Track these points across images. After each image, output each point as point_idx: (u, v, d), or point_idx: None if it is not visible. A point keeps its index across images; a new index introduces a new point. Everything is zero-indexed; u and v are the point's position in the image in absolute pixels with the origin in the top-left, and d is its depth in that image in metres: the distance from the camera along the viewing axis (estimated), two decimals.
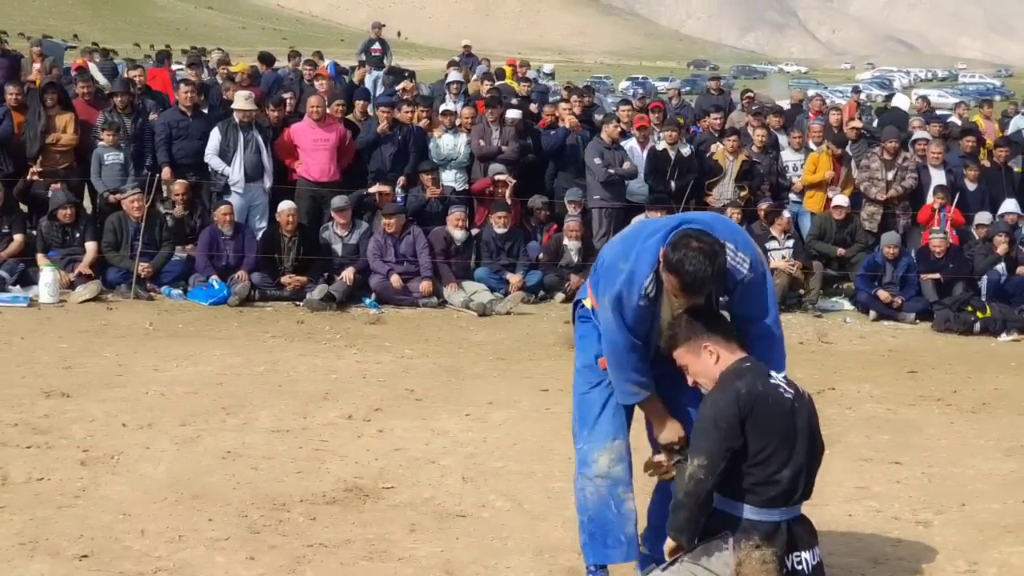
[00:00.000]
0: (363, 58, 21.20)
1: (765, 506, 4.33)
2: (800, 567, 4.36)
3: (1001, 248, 13.52)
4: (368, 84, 18.72)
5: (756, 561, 4.26)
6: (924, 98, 22.14)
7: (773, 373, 4.44)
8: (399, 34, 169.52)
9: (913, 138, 15.24)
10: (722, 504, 4.40)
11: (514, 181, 14.05)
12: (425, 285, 12.64)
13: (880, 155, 14.39)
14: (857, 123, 16.80)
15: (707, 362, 4.47)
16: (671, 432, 4.79)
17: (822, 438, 4.51)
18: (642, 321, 4.64)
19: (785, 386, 4.40)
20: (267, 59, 19.36)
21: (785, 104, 20.85)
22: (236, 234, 12.61)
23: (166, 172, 13.29)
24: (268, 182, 13.33)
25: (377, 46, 21.34)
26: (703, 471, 4.29)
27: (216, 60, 20.97)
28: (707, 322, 4.51)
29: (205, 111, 14.44)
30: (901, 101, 25.39)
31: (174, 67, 20.49)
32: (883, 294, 13.11)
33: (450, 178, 14.34)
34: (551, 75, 31.81)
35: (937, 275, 13.30)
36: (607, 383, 4.91)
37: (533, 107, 16.37)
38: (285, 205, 12.90)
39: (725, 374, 4.42)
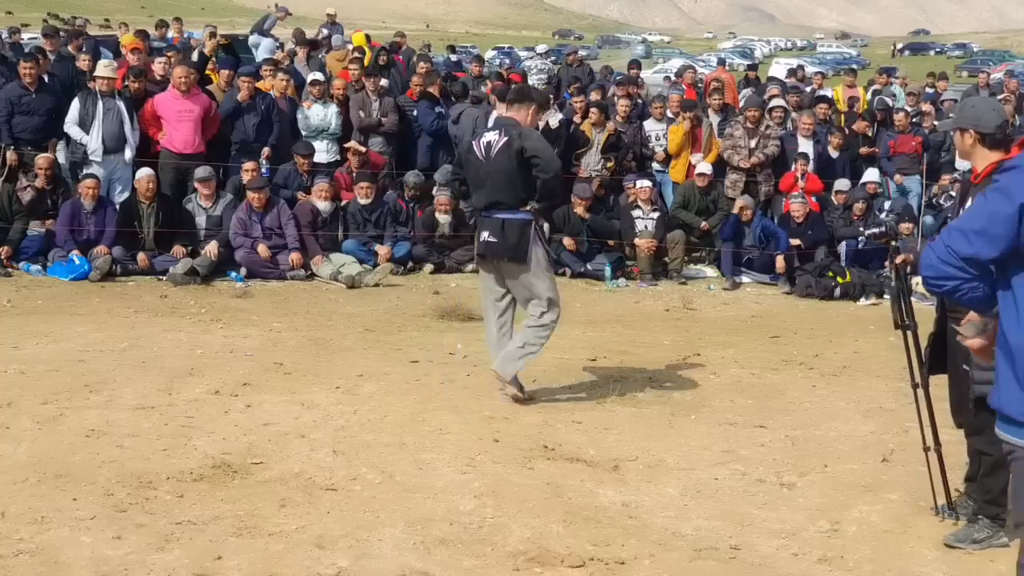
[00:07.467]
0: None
1: None
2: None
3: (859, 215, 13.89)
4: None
5: None
6: (801, 67, 22.74)
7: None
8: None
9: (770, 106, 15.47)
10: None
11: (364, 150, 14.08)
12: (295, 256, 12.49)
13: (743, 123, 14.60)
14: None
15: None
16: None
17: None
18: None
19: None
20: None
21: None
22: (98, 208, 12.31)
23: (11, 154, 12.91)
24: (129, 153, 13.01)
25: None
26: None
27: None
28: None
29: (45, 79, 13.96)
30: (778, 71, 25.90)
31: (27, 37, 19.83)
32: (779, 263, 13.39)
33: (321, 148, 14.16)
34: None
35: (798, 241, 13.59)
36: None
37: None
38: (143, 172, 12.64)
39: None
